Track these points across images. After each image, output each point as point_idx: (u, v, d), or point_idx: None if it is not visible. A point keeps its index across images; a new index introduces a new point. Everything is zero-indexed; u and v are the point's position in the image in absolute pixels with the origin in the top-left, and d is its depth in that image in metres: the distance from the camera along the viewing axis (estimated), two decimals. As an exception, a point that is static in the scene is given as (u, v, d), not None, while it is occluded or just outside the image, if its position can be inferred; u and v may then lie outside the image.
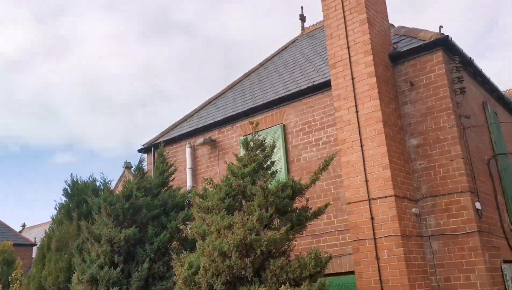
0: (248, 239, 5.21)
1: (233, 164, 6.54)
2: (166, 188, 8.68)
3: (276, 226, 5.81)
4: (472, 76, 8.80)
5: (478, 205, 7.35)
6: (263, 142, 6.63)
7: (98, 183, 10.26)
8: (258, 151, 6.59)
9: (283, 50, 13.15)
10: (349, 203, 7.51)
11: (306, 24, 13.62)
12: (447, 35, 7.71)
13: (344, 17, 8.18)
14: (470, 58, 8.33)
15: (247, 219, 5.52)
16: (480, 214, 7.34)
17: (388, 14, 8.85)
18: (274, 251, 5.52)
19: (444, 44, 7.78)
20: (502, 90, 10.38)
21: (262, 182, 5.67)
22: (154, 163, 10.47)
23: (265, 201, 5.64)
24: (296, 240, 6.66)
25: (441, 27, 7.85)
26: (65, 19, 37.98)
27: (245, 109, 10.19)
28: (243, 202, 5.88)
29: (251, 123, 6.92)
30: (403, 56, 8.19)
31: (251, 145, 6.52)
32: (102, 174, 9.02)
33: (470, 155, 7.72)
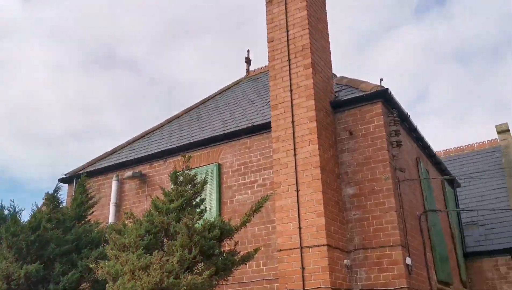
0: (165, 282, 4.61)
1: (158, 198, 5.97)
2: (83, 222, 7.82)
3: (200, 270, 5.25)
4: (408, 132, 8.97)
5: (408, 260, 7.22)
6: (194, 178, 6.15)
7: (6, 212, 9.11)
8: (187, 187, 6.09)
9: (226, 90, 12.97)
10: (280, 250, 7.12)
11: (252, 68, 13.63)
12: (387, 88, 7.83)
13: (289, 60, 8.12)
14: (407, 113, 8.50)
15: (167, 260, 4.93)
16: (410, 270, 7.20)
17: (331, 63, 8.94)
18: (194, 298, 4.93)
19: (383, 96, 7.88)
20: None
21: (187, 219, 5.14)
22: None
23: (189, 241, 5.10)
24: (220, 287, 6.11)
25: (381, 80, 7.98)
26: (2, 42, 36.01)
27: (180, 144, 9.70)
28: (165, 240, 5.30)
29: (184, 156, 6.44)
30: (344, 105, 8.20)
31: (181, 180, 6.01)
32: (12, 202, 7.94)
33: (403, 209, 7.68)
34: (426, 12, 46.05)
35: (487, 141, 14.80)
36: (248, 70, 13.60)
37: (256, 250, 5.96)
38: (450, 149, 15.49)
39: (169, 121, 12.07)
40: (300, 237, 6.99)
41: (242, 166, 8.85)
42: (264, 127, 8.67)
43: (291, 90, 7.93)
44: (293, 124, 7.71)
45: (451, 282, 9.42)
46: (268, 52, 8.51)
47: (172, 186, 6.15)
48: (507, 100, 41.26)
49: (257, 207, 5.80)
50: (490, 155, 14.13)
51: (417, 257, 7.84)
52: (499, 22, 41.17)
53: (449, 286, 9.26)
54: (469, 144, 15.13)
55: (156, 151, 10.08)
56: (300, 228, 7.05)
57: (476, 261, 11.39)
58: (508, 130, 13.86)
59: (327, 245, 6.80)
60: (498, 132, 14.07)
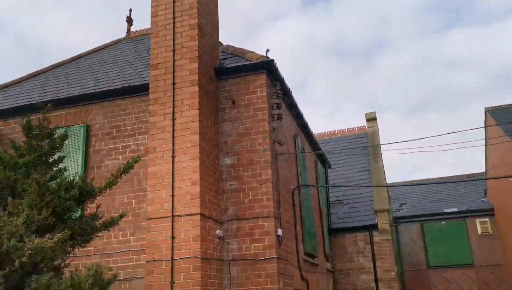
0: (5, 245, 3.85)
1: (6, 152, 5.06)
2: None
3: (55, 235, 4.54)
4: (288, 107, 9.05)
5: (279, 231, 7.28)
6: (53, 132, 5.34)
7: None
8: (44, 142, 5.26)
9: (102, 49, 11.81)
10: (150, 219, 6.63)
11: (133, 29, 12.63)
12: (273, 59, 7.72)
13: (174, 18, 7.56)
14: (289, 88, 8.53)
15: (11, 221, 4.15)
16: (280, 241, 7.26)
17: (219, 30, 8.58)
18: (42, 265, 4.24)
19: (268, 67, 7.76)
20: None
21: (38, 176, 4.39)
22: None
23: (40, 200, 4.37)
24: (79, 258, 5.44)
25: (268, 50, 7.84)
26: None
27: (43, 100, 8.52)
28: (10, 199, 4.48)
29: (43, 108, 5.56)
30: (228, 72, 7.92)
31: (35, 132, 5.16)
32: None
33: (279, 181, 7.70)
34: (312, 6, 48.27)
35: (357, 127, 15.91)
36: (129, 30, 12.57)
37: (121, 216, 5.38)
38: (324, 133, 16.34)
39: (32, 76, 10.61)
40: (173, 205, 6.58)
41: (114, 129, 8.10)
42: (142, 89, 8.01)
43: (174, 50, 7.39)
44: (173, 86, 7.21)
45: (316, 254, 9.86)
46: (152, 6, 7.84)
47: (25, 139, 5.27)
48: (376, 94, 45.31)
49: (125, 168, 5.22)
50: (359, 140, 15.20)
51: (288, 229, 7.97)
52: (374, 25, 44.87)
53: (314, 259, 9.68)
54: (340, 129, 16.11)
55: (12, 106, 8.77)
56: (173, 196, 6.64)
57: (339, 237, 12.15)
58: (375, 118, 15.00)
59: (201, 214, 6.51)
60: (367, 120, 15.16)
